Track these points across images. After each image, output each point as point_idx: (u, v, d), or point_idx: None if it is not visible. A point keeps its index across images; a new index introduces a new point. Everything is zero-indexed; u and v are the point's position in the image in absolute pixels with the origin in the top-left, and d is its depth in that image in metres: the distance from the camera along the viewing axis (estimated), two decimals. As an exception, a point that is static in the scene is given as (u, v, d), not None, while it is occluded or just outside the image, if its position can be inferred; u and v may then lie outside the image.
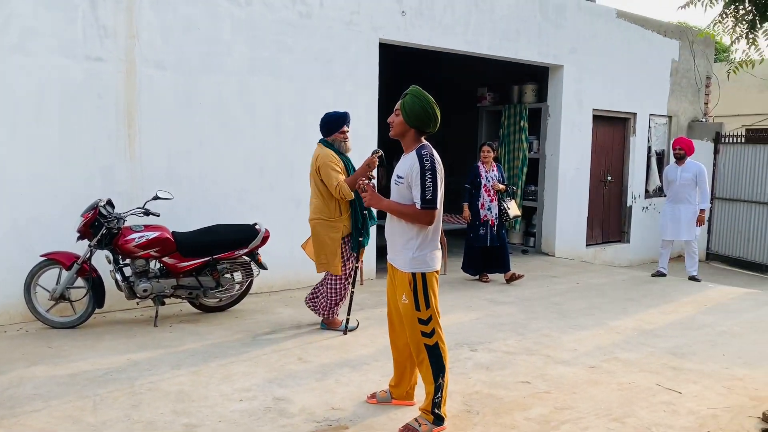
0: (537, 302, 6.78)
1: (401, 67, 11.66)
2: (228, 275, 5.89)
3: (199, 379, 4.30)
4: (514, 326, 5.79)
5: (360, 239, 5.30)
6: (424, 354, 3.54)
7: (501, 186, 7.63)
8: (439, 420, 3.55)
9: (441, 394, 3.53)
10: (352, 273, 5.37)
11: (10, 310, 5.52)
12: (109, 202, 5.53)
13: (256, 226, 5.94)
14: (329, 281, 5.34)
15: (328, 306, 5.40)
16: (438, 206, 3.46)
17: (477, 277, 7.85)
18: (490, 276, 7.89)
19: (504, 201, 7.67)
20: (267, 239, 5.96)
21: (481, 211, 7.58)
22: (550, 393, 4.20)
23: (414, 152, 3.50)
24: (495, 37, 8.65)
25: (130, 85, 5.96)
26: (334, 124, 5.28)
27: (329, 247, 5.21)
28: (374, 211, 5.52)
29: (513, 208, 7.75)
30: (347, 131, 5.32)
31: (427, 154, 3.46)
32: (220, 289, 5.81)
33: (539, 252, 10.00)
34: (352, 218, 5.26)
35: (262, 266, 5.99)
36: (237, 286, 5.96)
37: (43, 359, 4.64)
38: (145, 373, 4.39)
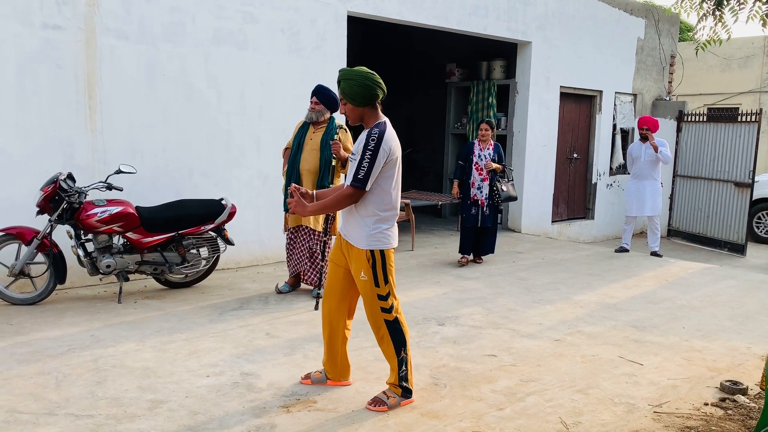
0: (503, 278, 6.86)
1: (371, 40, 11.55)
2: (194, 251, 5.81)
3: (164, 356, 4.25)
4: (481, 301, 5.86)
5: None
6: (384, 329, 3.53)
7: (495, 165, 7.22)
8: (407, 393, 3.58)
9: (405, 367, 3.55)
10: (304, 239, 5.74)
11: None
12: (70, 176, 5.38)
13: (223, 202, 5.86)
14: None
15: None
16: (368, 186, 3.35)
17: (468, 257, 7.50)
18: (470, 257, 7.54)
19: (498, 181, 7.29)
20: (233, 215, 5.89)
21: (471, 189, 7.33)
22: (516, 366, 4.27)
23: (368, 129, 3.45)
24: (464, 12, 8.60)
25: (90, 55, 5.77)
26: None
27: None
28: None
29: (509, 190, 7.37)
30: (313, 101, 5.58)
31: (375, 132, 3.38)
32: (186, 264, 5.73)
33: (506, 228, 10.10)
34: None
35: (228, 242, 5.92)
36: (203, 262, 5.89)
37: (3, 336, 4.52)
38: (110, 350, 4.32)
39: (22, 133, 5.50)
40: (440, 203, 9.56)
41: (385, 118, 3.51)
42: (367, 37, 11.37)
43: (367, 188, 3.37)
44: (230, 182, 6.74)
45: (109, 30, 5.83)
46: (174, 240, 5.65)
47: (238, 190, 6.73)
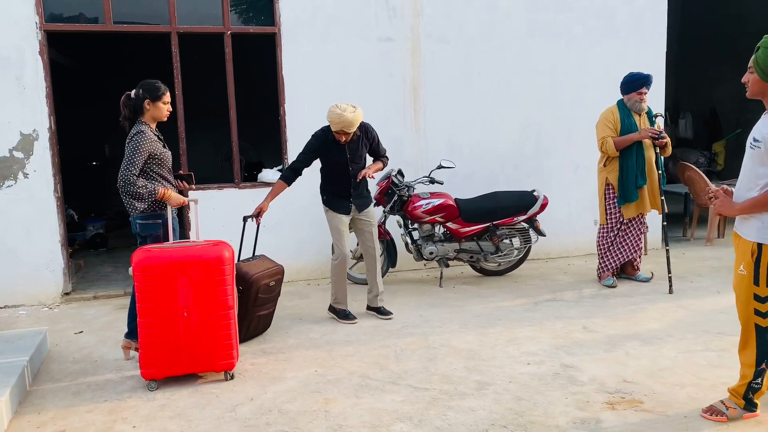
0: None
1: (693, 18, 10.52)
2: (507, 241, 6.03)
3: (485, 340, 4.50)
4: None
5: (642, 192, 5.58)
6: (752, 333, 3.18)
7: None
8: (751, 405, 3.23)
9: (761, 380, 3.18)
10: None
11: (321, 266, 6.35)
12: (400, 172, 6.00)
13: (535, 193, 5.96)
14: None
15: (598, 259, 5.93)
16: None
17: None
18: None
19: None
20: (545, 206, 5.95)
21: None
22: None
23: None
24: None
25: (415, 61, 6.34)
26: (633, 85, 5.55)
27: (598, 196, 5.81)
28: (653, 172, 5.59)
29: None
30: (645, 93, 5.50)
31: None
32: (499, 254, 5.97)
33: None
34: (620, 171, 5.53)
35: (540, 233, 6.01)
36: (515, 252, 6.07)
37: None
38: (437, 330, 4.73)
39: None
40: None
41: None
42: (687, 13, 10.39)
43: None
44: (540, 173, 6.80)
45: (430, 36, 6.33)
46: (488, 230, 5.93)
47: (548, 181, 6.76)
